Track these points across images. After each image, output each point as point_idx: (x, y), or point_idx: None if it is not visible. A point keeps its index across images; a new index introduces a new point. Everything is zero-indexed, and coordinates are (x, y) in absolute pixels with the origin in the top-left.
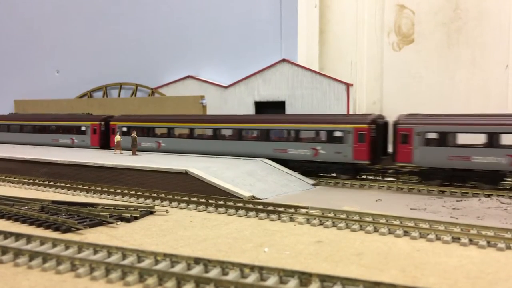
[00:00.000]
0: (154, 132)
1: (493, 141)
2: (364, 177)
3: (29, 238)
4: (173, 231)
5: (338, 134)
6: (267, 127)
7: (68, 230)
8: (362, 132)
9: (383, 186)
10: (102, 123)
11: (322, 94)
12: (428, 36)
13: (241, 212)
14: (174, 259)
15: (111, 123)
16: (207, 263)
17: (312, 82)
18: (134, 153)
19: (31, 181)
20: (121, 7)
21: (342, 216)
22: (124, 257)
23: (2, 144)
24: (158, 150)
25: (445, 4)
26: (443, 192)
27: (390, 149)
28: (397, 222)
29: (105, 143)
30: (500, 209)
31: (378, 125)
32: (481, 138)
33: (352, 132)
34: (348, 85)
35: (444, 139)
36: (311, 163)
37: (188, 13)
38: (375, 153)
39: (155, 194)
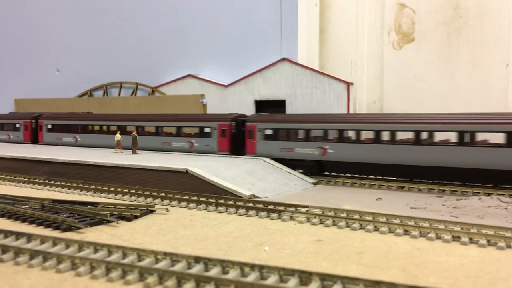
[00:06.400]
0: (73, 129)
1: (308, 136)
2: None
3: (30, 237)
4: (174, 230)
5: (207, 130)
6: (157, 124)
7: (68, 229)
8: (224, 128)
9: (383, 185)
10: (33, 120)
11: (322, 93)
12: (429, 35)
13: (242, 211)
14: (174, 258)
15: (40, 121)
16: (208, 262)
17: (312, 81)
18: (134, 152)
19: (31, 180)
20: (121, 6)
21: (342, 215)
22: (124, 256)
23: None
24: (75, 144)
25: (446, 3)
26: (444, 191)
27: None
28: (397, 221)
29: (35, 139)
30: (500, 208)
31: (238, 122)
32: (302, 134)
33: (216, 128)
34: (348, 84)
35: (277, 134)
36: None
37: (188, 12)
38: (235, 146)
39: (155, 193)
